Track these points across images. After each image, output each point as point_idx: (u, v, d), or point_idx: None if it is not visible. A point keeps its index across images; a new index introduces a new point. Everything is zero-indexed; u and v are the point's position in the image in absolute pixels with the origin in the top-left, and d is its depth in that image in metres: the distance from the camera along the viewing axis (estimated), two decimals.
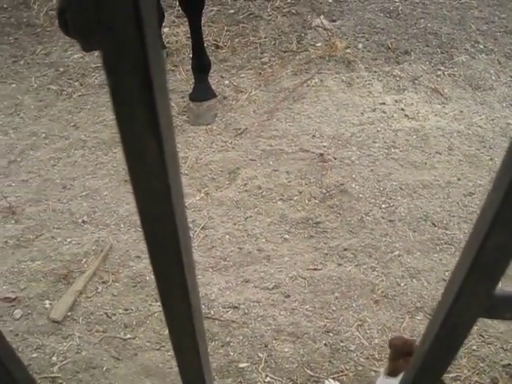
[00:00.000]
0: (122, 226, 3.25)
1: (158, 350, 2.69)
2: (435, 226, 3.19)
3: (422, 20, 4.86)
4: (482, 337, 2.71)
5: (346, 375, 2.58)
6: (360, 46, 4.57)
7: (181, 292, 0.59)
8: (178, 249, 0.52)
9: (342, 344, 2.68)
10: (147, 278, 2.96)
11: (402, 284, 2.91)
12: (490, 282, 0.57)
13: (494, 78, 4.37)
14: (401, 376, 1.94)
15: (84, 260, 3.06)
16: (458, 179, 3.48)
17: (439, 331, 0.65)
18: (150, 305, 2.87)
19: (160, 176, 0.43)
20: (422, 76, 4.30)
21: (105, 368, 2.64)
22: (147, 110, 0.39)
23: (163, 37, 4.61)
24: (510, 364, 2.63)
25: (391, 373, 1.97)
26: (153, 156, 0.41)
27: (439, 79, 4.30)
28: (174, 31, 4.82)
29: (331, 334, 2.72)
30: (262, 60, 4.51)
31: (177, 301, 0.61)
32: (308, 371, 2.60)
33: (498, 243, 0.51)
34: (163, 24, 4.52)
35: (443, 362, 0.70)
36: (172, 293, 0.61)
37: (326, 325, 2.76)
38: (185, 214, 0.52)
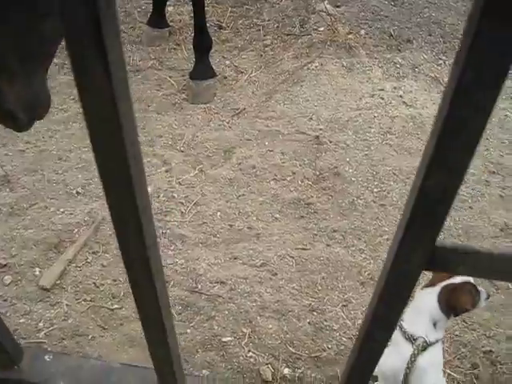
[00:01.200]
0: None
1: None
2: None
3: (427, 9, 4.85)
4: (466, 323, 2.73)
5: (328, 353, 2.60)
6: (362, 32, 4.57)
7: (136, 237, 0.60)
8: (129, 181, 0.53)
9: (325, 323, 2.70)
10: None
11: None
12: (432, 228, 0.58)
13: None
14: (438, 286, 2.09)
15: (76, 230, 3.07)
16: None
17: (387, 280, 0.66)
18: None
19: (108, 103, 0.44)
20: (422, 64, 4.30)
21: (90, 336, 2.66)
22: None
23: (167, 15, 4.60)
24: (491, 350, 2.65)
25: (429, 283, 2.18)
26: (101, 81, 0.42)
27: (440, 68, 4.30)
28: (178, 10, 4.82)
29: (315, 313, 2.74)
30: (264, 42, 4.51)
31: (134, 247, 0.62)
32: (290, 348, 2.62)
33: (436, 183, 0.52)
34: (168, 3, 4.52)
35: (394, 311, 0.71)
36: (127, 236, 0.61)
37: (311, 304, 2.78)
38: (138, 149, 0.53)
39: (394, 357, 2.08)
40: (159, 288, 0.71)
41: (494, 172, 3.51)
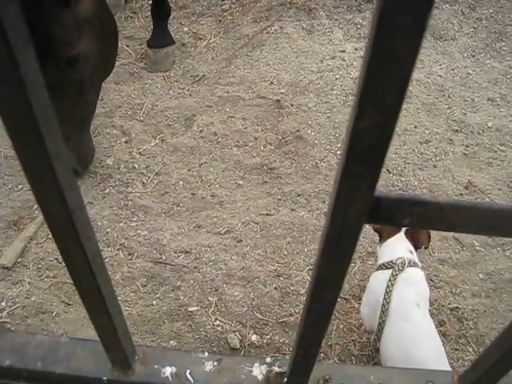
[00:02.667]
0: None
1: None
2: (390, 172, 3.19)
3: None
4: (432, 281, 2.74)
5: (295, 318, 2.59)
6: None
7: (58, 199, 0.55)
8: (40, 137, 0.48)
9: (292, 288, 2.69)
10: (99, 223, 2.92)
11: None
12: (369, 176, 0.54)
13: (456, 28, 4.33)
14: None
15: (35, 206, 3.00)
16: (415, 127, 3.47)
17: (327, 233, 0.62)
18: (102, 250, 2.79)
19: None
20: None
21: (54, 313, 2.61)
22: None
23: None
24: (457, 307, 2.66)
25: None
26: None
27: None
28: None
29: (282, 278, 2.72)
30: (223, 7, 4.41)
31: (57, 209, 0.57)
32: (257, 315, 2.60)
33: (369, 124, 0.48)
34: None
35: (337, 269, 0.68)
36: (49, 200, 0.56)
37: (276, 269, 2.76)
38: (48, 104, 0.48)
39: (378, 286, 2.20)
40: (90, 253, 0.66)
41: (457, 130, 3.50)
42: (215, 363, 1.02)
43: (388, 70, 0.43)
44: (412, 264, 2.21)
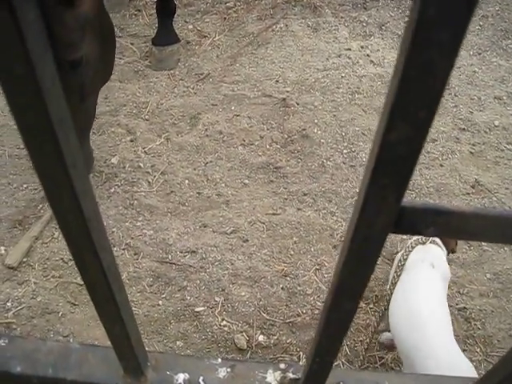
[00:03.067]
0: None
1: None
2: None
3: None
4: None
5: (303, 318, 2.58)
6: None
7: (73, 204, 0.54)
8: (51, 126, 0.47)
9: (299, 288, 2.67)
10: (104, 223, 2.90)
11: None
12: (397, 187, 0.53)
13: None
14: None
15: (40, 206, 2.99)
16: None
17: (351, 245, 0.61)
18: None
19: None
20: (389, 22, 4.24)
21: (60, 313, 2.60)
22: None
23: None
24: (465, 307, 2.65)
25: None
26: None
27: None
28: None
29: (288, 278, 2.71)
30: (227, 5, 4.39)
31: (72, 217, 0.56)
32: (264, 315, 2.59)
33: (399, 137, 0.47)
34: None
35: (359, 279, 0.66)
36: (63, 205, 0.55)
37: (283, 269, 2.74)
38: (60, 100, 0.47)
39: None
40: (106, 264, 0.65)
41: (463, 129, 3.48)
42: (228, 369, 1.00)
43: (422, 83, 0.42)
44: (433, 241, 2.27)
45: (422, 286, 2.14)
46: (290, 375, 1.02)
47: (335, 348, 0.83)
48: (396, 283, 2.14)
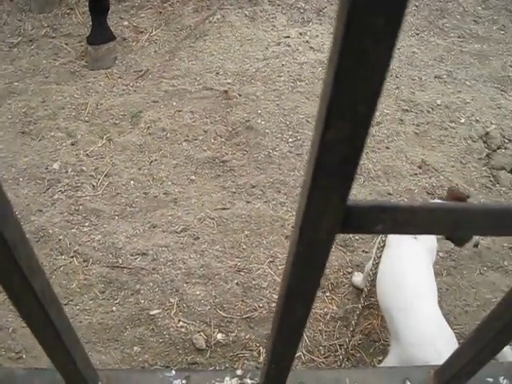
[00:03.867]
0: (21, 179, 3.08)
1: (65, 304, 2.58)
2: None
3: None
4: None
5: (260, 313, 2.55)
6: None
7: None
8: None
9: (254, 282, 2.64)
10: (50, 231, 2.83)
11: None
12: (341, 188, 0.49)
13: None
14: None
15: None
16: None
17: (297, 249, 0.57)
18: (55, 259, 2.74)
19: None
20: (326, 7, 4.22)
21: (11, 329, 2.52)
22: None
23: None
24: None
25: None
26: None
27: None
28: None
29: (242, 273, 2.68)
30: None
31: None
32: (221, 312, 2.55)
33: (338, 135, 0.43)
34: None
35: (309, 283, 0.63)
36: None
37: (236, 264, 2.71)
38: None
39: None
40: (39, 286, 0.61)
41: (407, 110, 3.50)
42: (184, 381, 0.97)
43: (359, 76, 0.39)
44: None
45: (406, 256, 2.19)
46: (248, 381, 0.99)
47: (290, 353, 0.80)
48: (379, 259, 2.14)
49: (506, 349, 2.09)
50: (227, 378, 0.98)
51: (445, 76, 3.77)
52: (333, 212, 0.52)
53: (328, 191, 0.49)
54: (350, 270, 2.72)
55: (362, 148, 0.45)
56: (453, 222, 0.64)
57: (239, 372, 0.99)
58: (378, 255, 2.13)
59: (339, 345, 2.47)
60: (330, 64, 0.39)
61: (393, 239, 2.18)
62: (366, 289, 2.17)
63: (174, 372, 0.98)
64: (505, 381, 1.04)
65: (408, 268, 2.15)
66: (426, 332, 1.93)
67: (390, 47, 0.37)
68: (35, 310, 0.63)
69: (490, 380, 1.04)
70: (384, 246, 2.13)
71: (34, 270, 0.58)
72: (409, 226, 0.63)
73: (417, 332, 1.95)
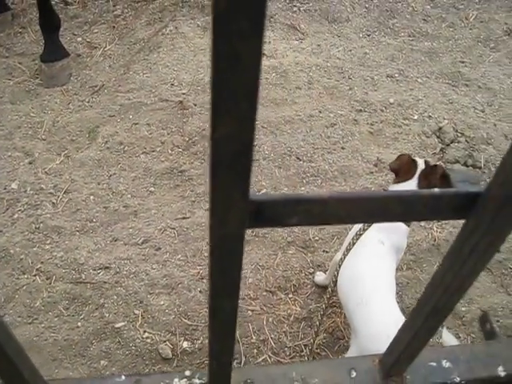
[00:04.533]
0: None
1: (30, 323, 2.58)
2: (300, 159, 3.21)
3: None
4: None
5: None
6: None
7: None
8: None
9: None
10: (11, 251, 2.82)
11: None
12: (240, 181, 0.52)
13: (349, 10, 4.40)
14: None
15: None
16: (320, 111, 3.50)
17: (211, 245, 0.60)
18: (17, 278, 2.73)
19: None
20: (277, 14, 4.27)
21: None
22: None
23: None
24: None
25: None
26: None
27: (295, 15, 4.29)
28: None
29: (205, 281, 2.69)
30: (115, 13, 4.33)
31: None
32: (185, 320, 2.57)
33: (227, 135, 0.46)
34: None
35: (229, 277, 0.66)
36: None
37: (199, 272, 2.73)
38: None
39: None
40: None
41: (360, 110, 3.55)
42: None
43: (234, 74, 0.42)
44: None
45: (368, 254, 2.21)
46: (197, 381, 1.02)
47: (228, 348, 0.83)
48: (346, 255, 2.17)
49: (447, 334, 2.15)
50: (176, 380, 1.00)
51: (397, 75, 3.84)
52: (237, 207, 0.55)
53: (228, 187, 0.52)
54: (311, 270, 2.76)
55: (252, 142, 0.48)
56: (364, 210, 0.67)
57: (188, 373, 1.01)
58: (349, 248, 2.16)
59: (304, 345, 2.50)
60: (211, 67, 0.42)
61: (364, 239, 2.20)
62: (330, 287, 2.20)
63: (123, 377, 1.00)
64: (447, 364, 1.07)
65: (367, 265, 2.18)
66: (381, 324, 1.97)
67: (258, 47, 0.40)
68: None
69: (434, 364, 1.07)
70: (356, 241, 2.16)
71: None
72: (324, 217, 0.66)
73: (372, 324, 2.00)
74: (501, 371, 1.06)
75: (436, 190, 0.66)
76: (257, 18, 0.39)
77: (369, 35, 4.20)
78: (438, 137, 3.42)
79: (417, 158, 2.36)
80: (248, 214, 0.58)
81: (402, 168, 2.33)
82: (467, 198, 0.67)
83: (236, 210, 0.55)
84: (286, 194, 0.67)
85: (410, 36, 4.21)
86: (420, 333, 0.90)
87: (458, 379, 1.05)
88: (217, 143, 0.47)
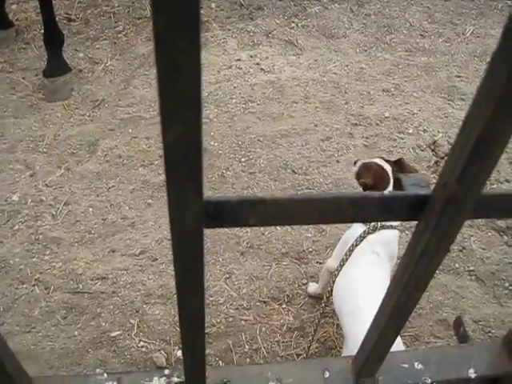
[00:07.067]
0: None
1: (28, 332, 2.63)
2: (295, 172, 3.26)
3: None
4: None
5: (218, 328, 2.61)
6: (213, 5, 4.55)
7: None
8: None
9: (211, 299, 2.70)
10: (11, 261, 2.87)
11: (266, 233, 2.96)
12: (192, 182, 0.57)
13: (346, 25, 4.46)
14: None
15: None
16: (315, 125, 3.56)
17: (172, 243, 0.65)
18: (16, 288, 2.78)
19: None
20: (275, 30, 4.34)
21: None
22: None
23: (11, 14, 4.41)
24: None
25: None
26: None
27: (293, 31, 4.36)
28: (23, 7, 4.62)
29: None
30: (117, 29, 4.41)
31: None
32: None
33: (176, 135, 0.51)
34: (10, 1, 4.33)
35: (194, 274, 0.71)
36: None
37: None
38: None
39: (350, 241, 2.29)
40: None
41: (356, 124, 3.60)
42: (115, 383, 1.03)
43: (177, 86, 0.47)
44: (386, 227, 2.27)
45: (362, 264, 2.23)
46: (175, 379, 1.06)
47: (199, 344, 0.87)
48: (343, 265, 2.21)
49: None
50: (156, 378, 1.04)
51: (392, 89, 3.89)
52: (192, 207, 0.60)
53: (182, 188, 0.57)
54: (304, 281, 2.80)
55: (200, 145, 0.53)
56: (318, 211, 0.72)
57: (167, 371, 1.06)
58: (345, 259, 2.19)
59: (297, 354, 2.53)
60: (157, 79, 0.47)
61: (357, 252, 2.23)
62: (325, 294, 2.24)
63: (105, 375, 1.04)
64: (420, 366, 1.11)
65: (362, 274, 2.21)
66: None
67: (197, 61, 0.46)
68: None
69: (406, 366, 1.11)
70: (352, 252, 2.19)
71: None
72: (279, 218, 0.71)
73: (362, 333, 2.02)
74: (471, 373, 1.09)
75: (386, 192, 0.71)
76: (193, 38, 0.45)
77: (366, 50, 4.26)
78: (432, 150, 3.46)
79: (375, 160, 2.36)
80: (205, 214, 0.63)
81: (377, 177, 2.31)
82: (417, 200, 0.72)
83: (192, 210, 0.60)
84: (242, 195, 0.71)
85: (406, 51, 4.27)
86: (385, 332, 0.94)
87: (429, 380, 1.08)
88: (168, 146, 0.52)
